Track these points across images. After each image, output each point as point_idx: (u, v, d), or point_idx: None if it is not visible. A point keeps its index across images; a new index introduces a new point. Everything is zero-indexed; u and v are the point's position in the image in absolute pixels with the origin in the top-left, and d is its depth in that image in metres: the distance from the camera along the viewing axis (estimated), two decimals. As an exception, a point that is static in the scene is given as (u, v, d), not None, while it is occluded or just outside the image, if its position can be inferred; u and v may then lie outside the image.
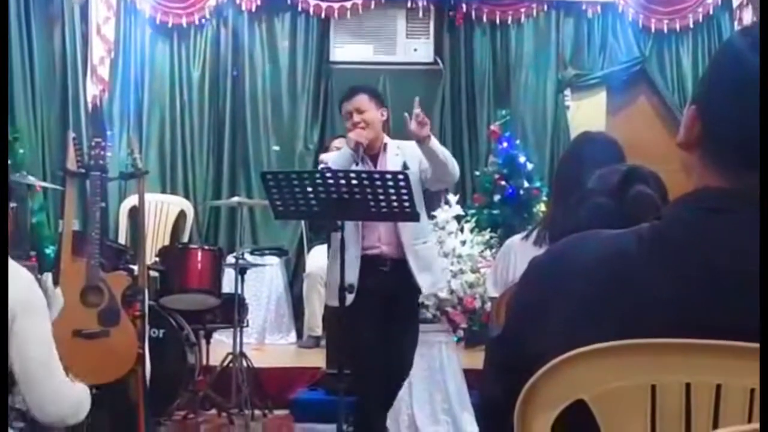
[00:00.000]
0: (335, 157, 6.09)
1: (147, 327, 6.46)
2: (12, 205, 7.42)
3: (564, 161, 4.41)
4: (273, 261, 9.57)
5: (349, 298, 5.69)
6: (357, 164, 5.86)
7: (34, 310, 2.95)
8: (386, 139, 6.07)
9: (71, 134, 6.75)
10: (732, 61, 1.68)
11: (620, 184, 2.49)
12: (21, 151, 8.40)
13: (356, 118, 5.98)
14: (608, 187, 2.92)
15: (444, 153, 5.87)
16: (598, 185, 3.22)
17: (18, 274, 2.94)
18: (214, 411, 7.36)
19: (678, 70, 10.43)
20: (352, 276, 5.78)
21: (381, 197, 5.43)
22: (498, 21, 10.47)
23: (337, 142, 9.32)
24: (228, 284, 7.58)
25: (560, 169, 4.38)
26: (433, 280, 6.00)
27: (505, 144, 9.68)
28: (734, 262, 1.55)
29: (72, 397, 3.12)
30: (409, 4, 10.35)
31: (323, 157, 6.34)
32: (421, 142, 5.73)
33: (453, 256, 7.82)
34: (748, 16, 9.75)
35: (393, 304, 5.90)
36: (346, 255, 5.69)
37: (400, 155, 5.98)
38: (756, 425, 1.26)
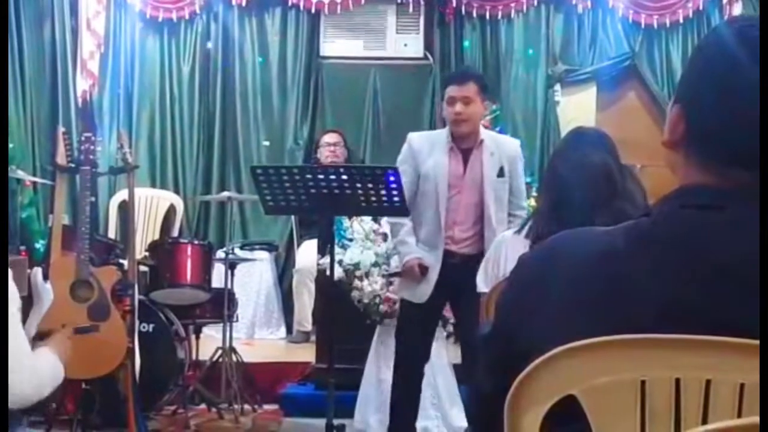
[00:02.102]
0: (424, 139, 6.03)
1: (137, 321, 6.48)
2: (1, 199, 7.42)
3: (554, 155, 4.42)
4: (263, 256, 9.56)
5: (422, 293, 5.74)
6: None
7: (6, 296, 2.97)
8: (483, 134, 5.94)
9: (61, 129, 6.75)
10: (714, 56, 1.68)
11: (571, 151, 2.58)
12: (11, 145, 8.38)
13: (459, 108, 5.81)
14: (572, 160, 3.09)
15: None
16: (559, 162, 3.33)
17: None
18: (203, 405, 7.36)
19: (668, 66, 10.42)
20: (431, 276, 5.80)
21: (371, 192, 5.42)
22: (488, 16, 10.45)
23: (326, 137, 9.33)
24: (218, 279, 7.58)
25: (552, 164, 4.39)
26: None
27: (494, 139, 9.67)
28: (723, 258, 1.56)
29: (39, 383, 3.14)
30: (399, 0, 10.34)
31: (410, 135, 6.17)
32: None
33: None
34: (738, 11, 9.76)
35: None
36: (427, 253, 5.73)
37: (496, 155, 5.86)
38: (755, 419, 1.26)
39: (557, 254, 1.75)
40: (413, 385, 6.08)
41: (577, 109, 10.31)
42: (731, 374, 1.45)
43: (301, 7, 10.41)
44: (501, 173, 5.76)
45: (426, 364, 6.16)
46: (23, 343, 3.10)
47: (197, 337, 7.52)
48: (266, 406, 7.51)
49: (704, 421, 1.47)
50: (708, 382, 1.47)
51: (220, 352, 7.38)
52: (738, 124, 1.61)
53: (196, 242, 7.59)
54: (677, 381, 1.49)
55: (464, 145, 5.89)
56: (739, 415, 1.44)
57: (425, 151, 5.85)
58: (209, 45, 10.46)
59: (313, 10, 10.42)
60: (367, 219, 7.06)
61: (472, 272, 5.74)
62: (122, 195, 9.33)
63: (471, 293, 5.78)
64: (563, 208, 3.62)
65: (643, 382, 1.50)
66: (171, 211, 10.03)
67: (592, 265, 1.66)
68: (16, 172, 7.92)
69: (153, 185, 10.27)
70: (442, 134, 5.95)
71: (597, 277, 1.64)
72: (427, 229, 5.86)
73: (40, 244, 8.30)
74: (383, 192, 5.42)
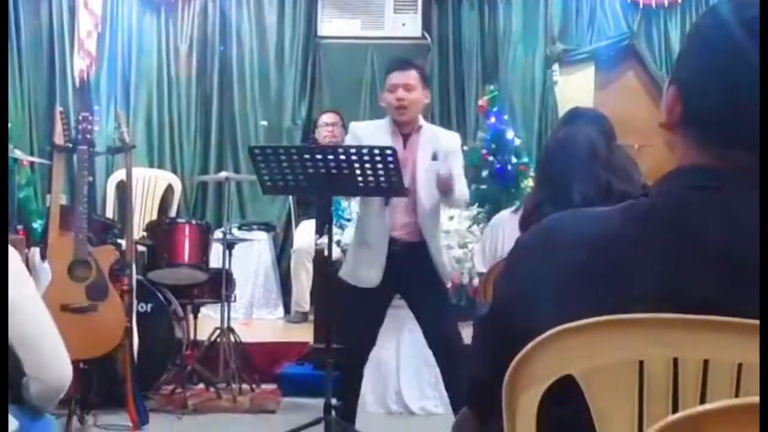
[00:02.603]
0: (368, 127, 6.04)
1: (135, 301, 6.48)
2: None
3: (551, 137, 4.42)
4: (261, 236, 9.56)
5: (369, 278, 5.72)
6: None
7: (20, 279, 2.95)
8: (422, 121, 5.96)
9: (59, 108, 6.74)
10: (711, 36, 1.67)
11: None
12: (8, 125, 8.38)
13: (401, 93, 5.82)
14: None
15: (459, 200, 5.90)
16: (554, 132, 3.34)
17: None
18: (201, 385, 7.37)
19: (666, 45, 10.40)
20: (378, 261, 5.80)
21: (369, 172, 5.42)
22: (486, -5, 10.46)
23: (324, 117, 9.32)
24: (216, 259, 7.57)
25: (545, 144, 4.39)
26: (448, 262, 5.97)
27: (493, 119, 9.65)
28: (721, 238, 1.56)
29: (69, 364, 3.12)
30: (397, -22, 10.32)
31: (353, 125, 6.20)
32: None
33: (440, 231, 7.82)
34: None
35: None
36: (373, 238, 5.72)
37: (431, 143, 5.83)
38: (754, 399, 1.26)
39: (555, 235, 1.74)
40: (355, 370, 6.05)
41: (576, 89, 10.31)
42: (729, 354, 1.45)
43: (299, -13, 10.41)
44: (435, 158, 5.76)
45: (371, 351, 6.16)
46: (52, 324, 3.08)
47: (195, 317, 7.52)
48: (264, 386, 7.51)
49: (702, 401, 1.47)
50: (706, 362, 1.47)
51: (218, 332, 7.39)
52: (735, 105, 1.60)
53: (194, 222, 7.58)
54: (675, 361, 1.49)
55: (404, 131, 5.90)
56: (737, 395, 1.44)
57: (371, 135, 5.83)
58: (221, 48, 10.45)
59: (310, -10, 10.42)
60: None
61: (416, 262, 5.76)
62: (120, 175, 9.32)
63: (421, 285, 5.81)
64: (549, 181, 3.61)
65: (641, 362, 1.50)
66: (169, 191, 10.03)
67: (591, 246, 1.66)
68: (14, 152, 7.92)
69: (151, 165, 10.27)
70: (383, 122, 5.95)
71: (595, 258, 1.64)
72: (374, 215, 5.85)
73: (37, 224, 8.31)
74: (381, 172, 5.42)
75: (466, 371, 5.79)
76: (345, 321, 5.97)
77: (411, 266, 5.77)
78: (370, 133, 5.89)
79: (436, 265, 5.81)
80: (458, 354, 5.91)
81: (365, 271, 5.80)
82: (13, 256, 2.99)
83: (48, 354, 2.97)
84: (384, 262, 5.77)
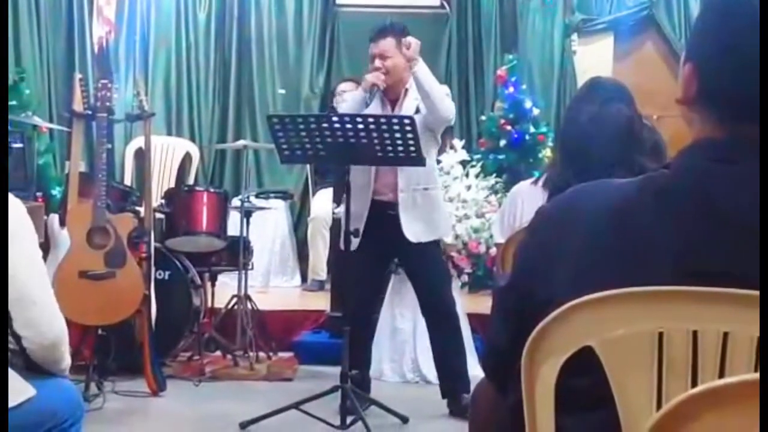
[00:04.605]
0: (350, 98, 6.08)
1: (153, 269, 6.50)
2: (18, 145, 7.44)
3: (574, 106, 4.40)
4: (278, 204, 9.56)
5: (355, 242, 5.71)
6: (367, 106, 5.84)
7: (23, 236, 2.96)
8: (410, 83, 5.99)
9: (78, 75, 6.74)
10: (724, 13, 1.68)
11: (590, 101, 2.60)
12: (27, 91, 8.38)
13: (377, 63, 5.93)
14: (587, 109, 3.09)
15: (430, 85, 5.84)
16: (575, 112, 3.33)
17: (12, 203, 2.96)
18: (218, 352, 7.39)
19: (686, 15, 10.34)
20: (360, 221, 5.82)
21: (387, 142, 5.43)
22: (505, -36, 10.41)
23: (343, 86, 9.30)
24: (233, 227, 7.58)
25: (570, 114, 4.37)
26: (426, 228, 5.96)
27: (511, 89, 9.65)
28: (741, 210, 1.56)
29: (62, 320, 3.13)
30: (417, -54, 10.28)
31: (341, 87, 6.27)
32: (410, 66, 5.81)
33: (458, 201, 7.81)
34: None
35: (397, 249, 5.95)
36: (355, 199, 5.73)
37: (417, 100, 5.92)
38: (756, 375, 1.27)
39: (576, 207, 1.75)
40: (360, 337, 6.07)
41: (594, 59, 10.26)
42: (749, 327, 1.46)
43: (318, -46, 10.39)
44: (417, 110, 5.81)
45: (373, 315, 6.19)
46: (45, 283, 3.09)
47: (213, 285, 7.53)
48: (281, 354, 7.54)
49: (721, 374, 1.47)
50: (725, 334, 1.48)
51: (235, 299, 7.40)
52: (752, 82, 1.61)
53: (211, 190, 7.58)
54: (694, 333, 1.49)
55: (393, 96, 6.02)
56: (756, 368, 1.45)
57: (357, 108, 5.88)
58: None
59: (330, -43, 10.40)
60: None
61: (396, 223, 5.82)
62: (138, 142, 9.34)
63: (411, 246, 5.86)
64: (582, 160, 3.59)
65: (660, 334, 1.51)
66: (187, 158, 10.04)
67: (611, 218, 1.67)
68: (33, 119, 7.93)
69: (169, 133, 10.27)
70: (360, 93, 6.03)
71: (615, 230, 1.65)
72: (358, 176, 5.88)
73: (56, 191, 8.32)
74: (399, 141, 5.42)
75: (456, 337, 5.79)
76: (346, 286, 6.03)
77: (396, 227, 5.82)
78: (349, 104, 6.10)
79: (426, 219, 5.90)
80: (448, 319, 5.97)
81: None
82: (21, 212, 3.00)
83: (37, 312, 2.98)
84: (363, 223, 5.84)
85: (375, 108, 5.89)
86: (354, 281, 5.91)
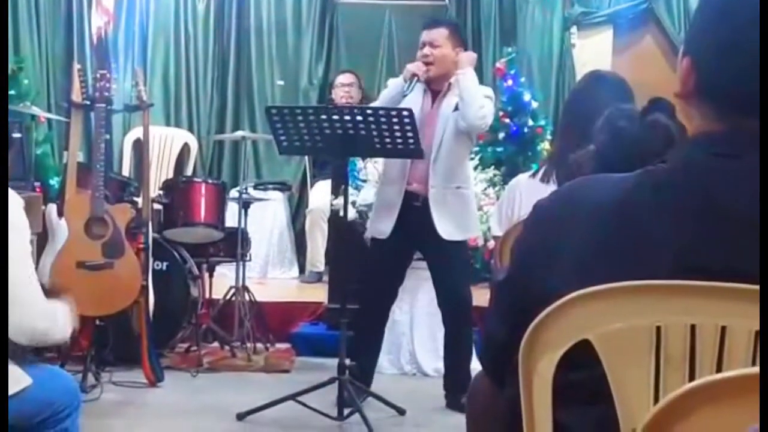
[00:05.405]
0: (391, 84, 6.04)
1: (150, 259, 6.50)
2: (17, 135, 7.42)
3: (574, 97, 4.40)
4: (276, 196, 9.56)
5: (382, 230, 5.78)
6: (405, 96, 5.81)
7: (12, 239, 2.95)
8: (455, 79, 5.92)
9: (76, 65, 6.73)
10: (722, 7, 1.68)
11: (643, 111, 2.52)
12: (25, 81, 8.38)
13: (426, 50, 5.91)
14: (629, 113, 2.95)
15: (471, 94, 5.75)
16: (618, 112, 3.23)
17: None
18: (216, 343, 7.41)
19: (685, 9, 10.31)
20: (393, 210, 5.83)
21: (386, 134, 5.43)
22: (505, -44, 10.40)
23: (341, 77, 9.31)
24: (231, 218, 7.58)
25: (570, 105, 4.37)
26: (458, 227, 5.93)
27: (510, 82, 9.64)
28: (741, 204, 1.56)
29: (52, 313, 3.12)
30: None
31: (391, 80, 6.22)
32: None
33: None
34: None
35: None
36: (389, 190, 5.75)
37: (456, 99, 5.87)
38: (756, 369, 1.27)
39: (574, 200, 1.75)
40: (375, 327, 6.12)
41: (593, 52, 10.25)
42: (747, 321, 1.46)
43: (318, -55, 10.38)
44: (456, 108, 5.79)
45: (391, 307, 6.22)
46: (34, 278, 3.09)
47: (211, 276, 7.54)
48: (278, 345, 7.54)
49: (719, 368, 1.47)
50: (723, 328, 1.48)
51: (233, 290, 7.41)
52: (750, 76, 1.60)
53: (210, 181, 7.58)
54: (692, 327, 1.49)
55: (437, 88, 5.97)
56: (754, 362, 1.45)
57: (393, 94, 5.87)
58: None
59: (329, -51, 10.38)
60: (381, 160, 7.06)
61: (425, 216, 5.81)
62: (137, 133, 9.34)
63: (437, 240, 5.85)
64: (608, 157, 3.53)
65: (658, 328, 1.51)
66: (185, 149, 10.04)
67: (610, 212, 1.66)
68: (31, 108, 7.91)
69: (167, 124, 10.27)
70: (399, 80, 5.98)
71: (614, 225, 1.65)
72: (393, 166, 5.89)
73: (54, 181, 8.32)
74: (398, 133, 5.42)
75: (469, 336, 5.78)
76: (365, 278, 6.03)
77: (428, 219, 5.80)
78: (388, 89, 5.99)
79: (457, 218, 5.87)
80: (466, 317, 5.97)
81: (382, 223, 5.87)
82: (16, 206, 3.00)
83: (17, 315, 2.96)
84: (397, 213, 5.84)
85: (415, 98, 5.85)
86: (376, 270, 5.95)
